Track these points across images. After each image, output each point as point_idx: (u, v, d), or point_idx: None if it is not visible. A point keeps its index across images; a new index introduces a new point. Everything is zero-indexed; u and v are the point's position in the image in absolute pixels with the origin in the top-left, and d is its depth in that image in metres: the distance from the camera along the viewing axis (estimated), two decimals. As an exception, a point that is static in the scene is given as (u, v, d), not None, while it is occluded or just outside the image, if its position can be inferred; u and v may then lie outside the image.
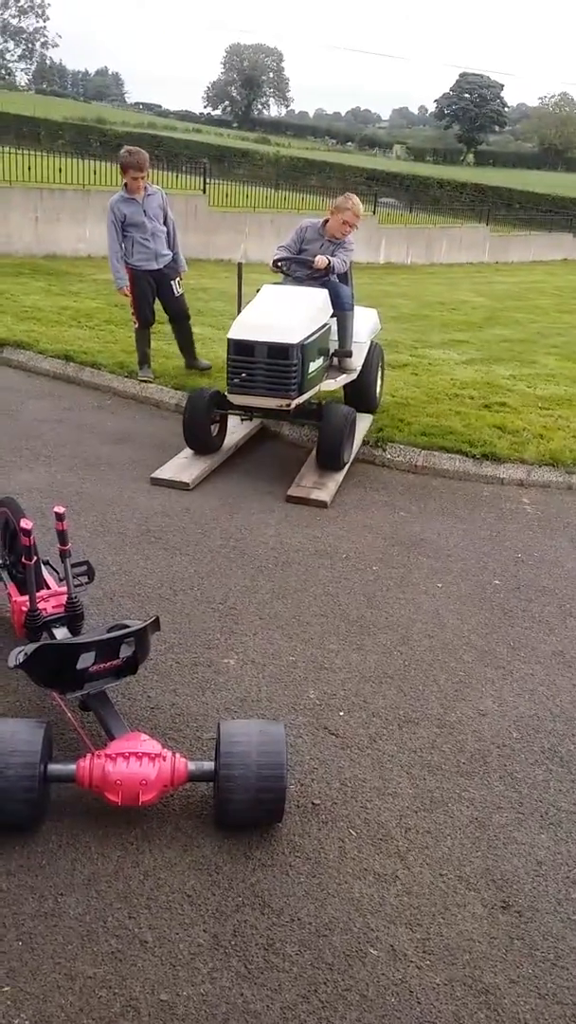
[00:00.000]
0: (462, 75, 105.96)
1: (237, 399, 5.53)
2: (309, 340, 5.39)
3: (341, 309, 6.04)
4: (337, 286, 6.07)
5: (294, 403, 5.38)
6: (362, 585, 4.37)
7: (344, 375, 6.20)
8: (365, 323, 6.56)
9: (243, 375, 5.37)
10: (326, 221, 6.23)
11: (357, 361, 6.30)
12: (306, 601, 4.16)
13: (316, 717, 3.29)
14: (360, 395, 6.59)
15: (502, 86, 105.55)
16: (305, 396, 5.50)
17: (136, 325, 7.42)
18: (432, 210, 31.62)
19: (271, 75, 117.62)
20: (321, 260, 5.92)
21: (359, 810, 2.83)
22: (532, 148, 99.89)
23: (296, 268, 6.13)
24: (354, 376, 6.27)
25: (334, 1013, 2.14)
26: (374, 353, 6.68)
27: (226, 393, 5.57)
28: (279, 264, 6.19)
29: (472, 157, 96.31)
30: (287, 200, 21.41)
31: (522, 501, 5.80)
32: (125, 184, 6.96)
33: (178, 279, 7.25)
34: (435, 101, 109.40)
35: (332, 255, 6.06)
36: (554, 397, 8.11)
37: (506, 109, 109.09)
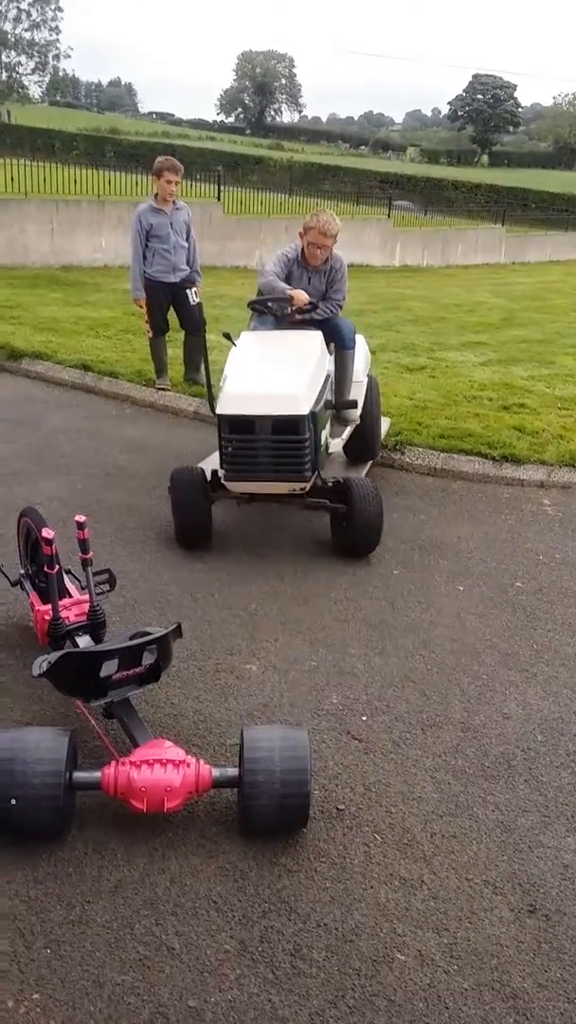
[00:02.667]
0: (475, 76, 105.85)
1: (237, 486, 4.53)
2: (319, 403, 4.47)
3: (343, 348, 5.09)
4: (335, 321, 5.16)
5: (310, 484, 4.51)
6: (383, 589, 4.37)
7: (347, 427, 5.36)
8: (359, 355, 5.45)
9: (242, 457, 4.37)
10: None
11: (357, 406, 5.35)
12: (327, 606, 4.16)
13: (339, 722, 3.29)
14: (362, 442, 5.60)
15: (515, 86, 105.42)
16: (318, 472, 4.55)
17: (150, 335, 7.42)
18: (447, 212, 31.60)
19: (283, 81, 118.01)
20: (300, 296, 4.93)
21: (384, 815, 2.83)
22: (547, 148, 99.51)
23: (278, 307, 5.07)
24: (356, 423, 5.40)
25: (362, 1019, 2.14)
26: (374, 390, 5.71)
27: (221, 477, 4.53)
28: (256, 307, 5.12)
29: (486, 158, 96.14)
30: (302, 206, 21.45)
31: (543, 502, 5.77)
32: (156, 194, 6.99)
33: (195, 289, 7.22)
34: (448, 103, 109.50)
35: (326, 291, 5.18)
36: (573, 397, 8.06)
37: (520, 109, 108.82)
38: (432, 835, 2.76)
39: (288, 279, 5.16)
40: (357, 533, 4.58)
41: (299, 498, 4.64)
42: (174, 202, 7.03)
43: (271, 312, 5.06)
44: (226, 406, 4.30)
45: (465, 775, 3.06)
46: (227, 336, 5.03)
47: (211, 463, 5.51)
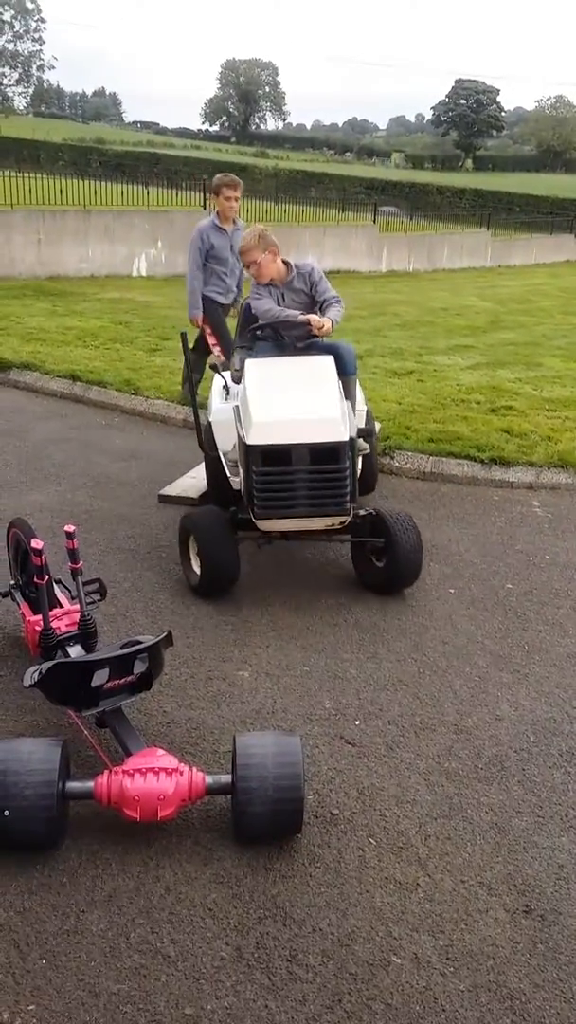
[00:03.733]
0: (457, 81, 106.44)
1: (270, 524, 4.07)
2: (354, 429, 4.15)
3: (345, 373, 4.59)
4: (337, 345, 4.75)
5: (351, 517, 4.12)
6: (374, 593, 4.37)
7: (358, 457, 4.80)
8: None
9: (277, 492, 3.94)
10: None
11: (374, 434, 5.09)
12: (318, 611, 4.16)
13: (332, 727, 3.29)
14: (364, 472, 5.12)
15: (498, 91, 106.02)
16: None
17: (221, 359, 6.40)
18: (432, 217, 31.75)
19: (267, 89, 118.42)
20: (318, 321, 4.56)
21: (378, 819, 2.83)
22: (531, 151, 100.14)
23: (284, 331, 4.69)
24: (366, 451, 4.88)
25: (359, 1023, 2.14)
26: (372, 419, 5.50)
27: (252, 517, 4.05)
28: (259, 333, 4.75)
29: (471, 162, 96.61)
30: (287, 213, 21.51)
31: (532, 504, 5.79)
32: (218, 212, 6.60)
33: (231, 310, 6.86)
34: (432, 108, 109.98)
35: (315, 298, 4.77)
36: (561, 399, 8.10)
37: (503, 113, 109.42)
38: (426, 838, 2.77)
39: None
40: (398, 568, 4.24)
41: (337, 534, 4.26)
42: (234, 220, 6.65)
43: (288, 342, 4.68)
44: (258, 436, 3.90)
45: (459, 777, 3.06)
46: (214, 368, 4.99)
47: (182, 487, 5.50)
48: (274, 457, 3.91)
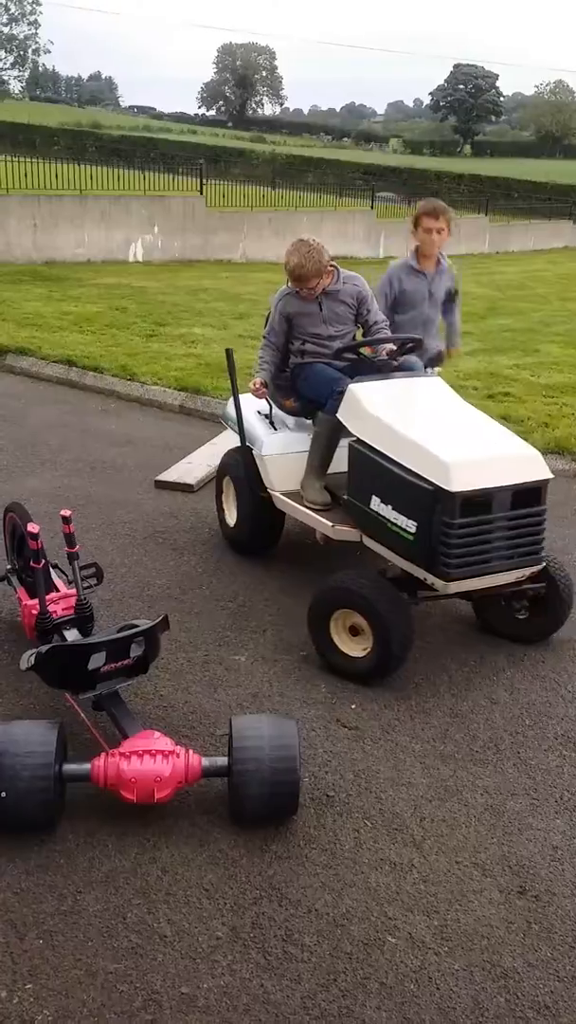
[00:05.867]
0: (456, 66, 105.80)
1: (464, 584, 3.40)
2: None
3: None
4: (412, 362, 4.23)
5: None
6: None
7: None
8: None
9: (477, 545, 3.33)
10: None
11: None
12: (315, 596, 4.16)
13: (328, 710, 3.31)
14: None
15: (497, 76, 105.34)
16: None
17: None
18: (430, 203, 31.46)
19: (264, 73, 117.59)
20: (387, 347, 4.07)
21: (374, 801, 2.85)
22: (529, 137, 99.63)
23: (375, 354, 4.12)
24: None
25: (354, 1001, 2.15)
26: None
27: (441, 575, 3.34)
28: (350, 355, 4.09)
29: (469, 148, 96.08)
30: (284, 198, 21.39)
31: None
32: (416, 247, 4.75)
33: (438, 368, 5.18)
34: (430, 93, 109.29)
35: (369, 329, 4.31)
36: (558, 385, 8.09)
37: (502, 99, 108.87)
38: (422, 819, 2.78)
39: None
40: (554, 616, 3.80)
41: (517, 589, 3.63)
42: (439, 260, 4.80)
43: (379, 361, 4.06)
44: (462, 480, 3.23)
45: (454, 760, 3.08)
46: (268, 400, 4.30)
47: (178, 473, 5.18)
48: (477, 504, 3.29)
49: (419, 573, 3.44)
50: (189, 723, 3.16)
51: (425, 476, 3.30)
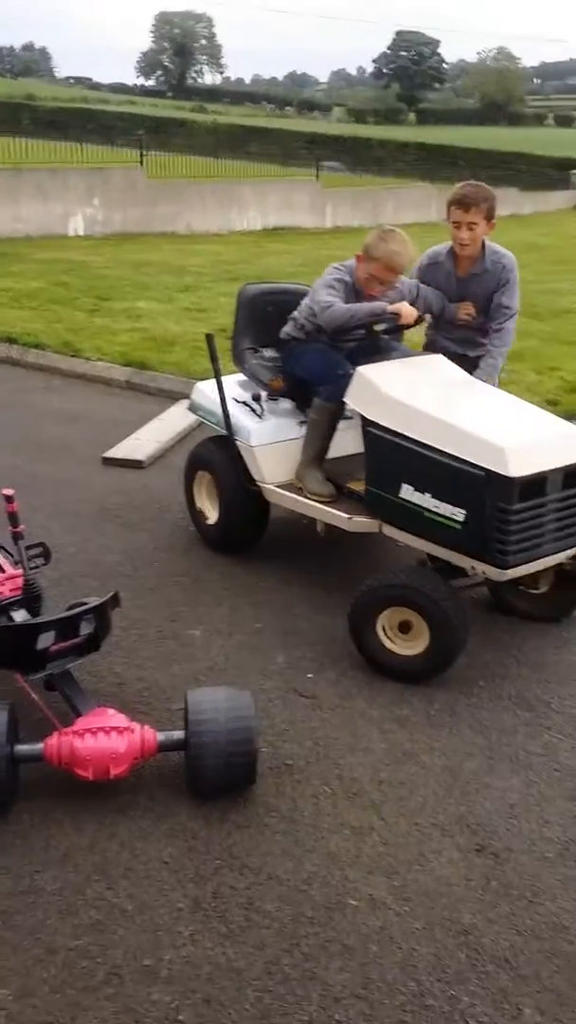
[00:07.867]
0: (398, 33, 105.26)
1: (518, 571, 3.27)
2: None
3: None
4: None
5: None
6: (324, 549, 4.35)
7: None
8: None
9: (533, 530, 3.22)
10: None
11: None
12: (270, 569, 4.15)
13: (286, 681, 3.30)
14: None
15: (439, 42, 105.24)
16: None
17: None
18: (376, 171, 31.41)
19: (203, 42, 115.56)
20: (406, 311, 3.80)
21: (332, 767, 2.86)
22: (473, 104, 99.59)
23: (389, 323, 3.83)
24: None
25: (317, 964, 2.17)
26: None
27: (485, 566, 3.25)
28: (347, 339, 3.89)
29: (414, 116, 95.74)
30: (228, 169, 21.10)
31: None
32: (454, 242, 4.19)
33: None
34: (373, 61, 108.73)
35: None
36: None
37: (445, 66, 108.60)
38: (380, 783, 2.80)
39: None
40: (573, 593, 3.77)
41: (562, 570, 3.59)
42: (484, 255, 4.28)
43: (384, 344, 3.89)
44: (520, 464, 3.09)
45: (411, 724, 3.10)
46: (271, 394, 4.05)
47: (126, 450, 5.16)
48: (533, 488, 3.16)
49: (465, 563, 3.31)
50: (144, 699, 3.13)
51: (474, 462, 3.14)
